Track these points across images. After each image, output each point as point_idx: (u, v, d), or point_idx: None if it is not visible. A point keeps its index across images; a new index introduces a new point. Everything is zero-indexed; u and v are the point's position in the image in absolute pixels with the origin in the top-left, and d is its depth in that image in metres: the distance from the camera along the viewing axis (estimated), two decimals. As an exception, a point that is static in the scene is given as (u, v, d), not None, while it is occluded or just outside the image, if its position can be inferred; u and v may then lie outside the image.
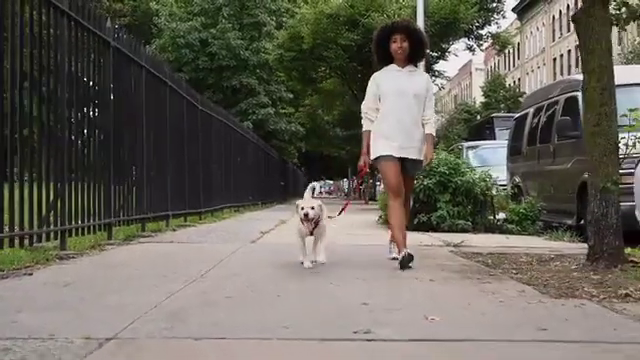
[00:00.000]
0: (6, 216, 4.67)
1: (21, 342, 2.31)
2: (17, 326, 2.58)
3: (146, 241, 6.82)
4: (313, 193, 4.96)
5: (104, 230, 6.58)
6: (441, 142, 22.87)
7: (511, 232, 8.79)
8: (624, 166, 6.34)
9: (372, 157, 4.96)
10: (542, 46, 53.46)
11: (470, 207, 9.08)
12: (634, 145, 5.02)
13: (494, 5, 24.69)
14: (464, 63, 74.10)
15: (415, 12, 14.98)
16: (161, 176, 8.87)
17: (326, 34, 22.16)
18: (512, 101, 43.70)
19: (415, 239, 6.51)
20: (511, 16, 55.74)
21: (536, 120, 10.59)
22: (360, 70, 22.45)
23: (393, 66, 5.02)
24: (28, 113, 5.15)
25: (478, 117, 43.26)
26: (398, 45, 4.92)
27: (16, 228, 4.79)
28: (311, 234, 4.66)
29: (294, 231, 4.85)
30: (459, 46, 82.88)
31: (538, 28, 54.62)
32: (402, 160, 4.89)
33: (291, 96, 33.58)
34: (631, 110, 4.96)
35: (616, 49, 36.06)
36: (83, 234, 6.04)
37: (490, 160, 13.46)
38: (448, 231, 8.51)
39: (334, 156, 43.66)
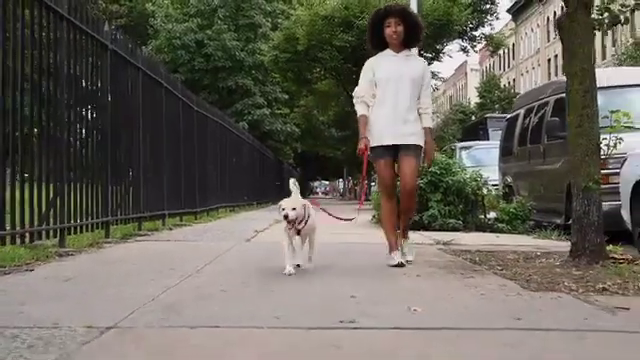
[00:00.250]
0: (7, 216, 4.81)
1: (28, 330, 2.46)
2: (23, 316, 2.73)
3: (143, 239, 6.96)
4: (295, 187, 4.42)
5: (102, 228, 6.73)
6: (436, 143, 22.95)
7: (501, 231, 8.94)
8: (610, 166, 6.52)
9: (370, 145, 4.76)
10: (537, 47, 53.70)
11: (461, 206, 9.24)
12: (615, 146, 5.15)
13: (487, 7, 24.93)
14: (459, 64, 74.33)
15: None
16: (157, 176, 9.00)
17: (321, 35, 22.31)
18: (507, 102, 43.85)
19: (406, 237, 6.64)
20: (506, 17, 56.08)
21: (527, 121, 10.73)
22: (355, 71, 22.40)
23: (388, 51, 4.86)
24: (28, 114, 5.29)
25: (473, 118, 43.48)
26: (393, 29, 4.76)
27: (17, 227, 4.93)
28: (298, 234, 4.28)
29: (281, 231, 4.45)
30: (453, 47, 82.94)
31: (533, 29, 54.87)
32: (398, 146, 4.76)
33: (286, 97, 33.75)
34: (612, 112, 5.11)
35: (610, 51, 36.41)
36: (81, 232, 6.19)
37: (483, 160, 13.59)
38: (439, 230, 8.64)
39: (330, 157, 43.72)
